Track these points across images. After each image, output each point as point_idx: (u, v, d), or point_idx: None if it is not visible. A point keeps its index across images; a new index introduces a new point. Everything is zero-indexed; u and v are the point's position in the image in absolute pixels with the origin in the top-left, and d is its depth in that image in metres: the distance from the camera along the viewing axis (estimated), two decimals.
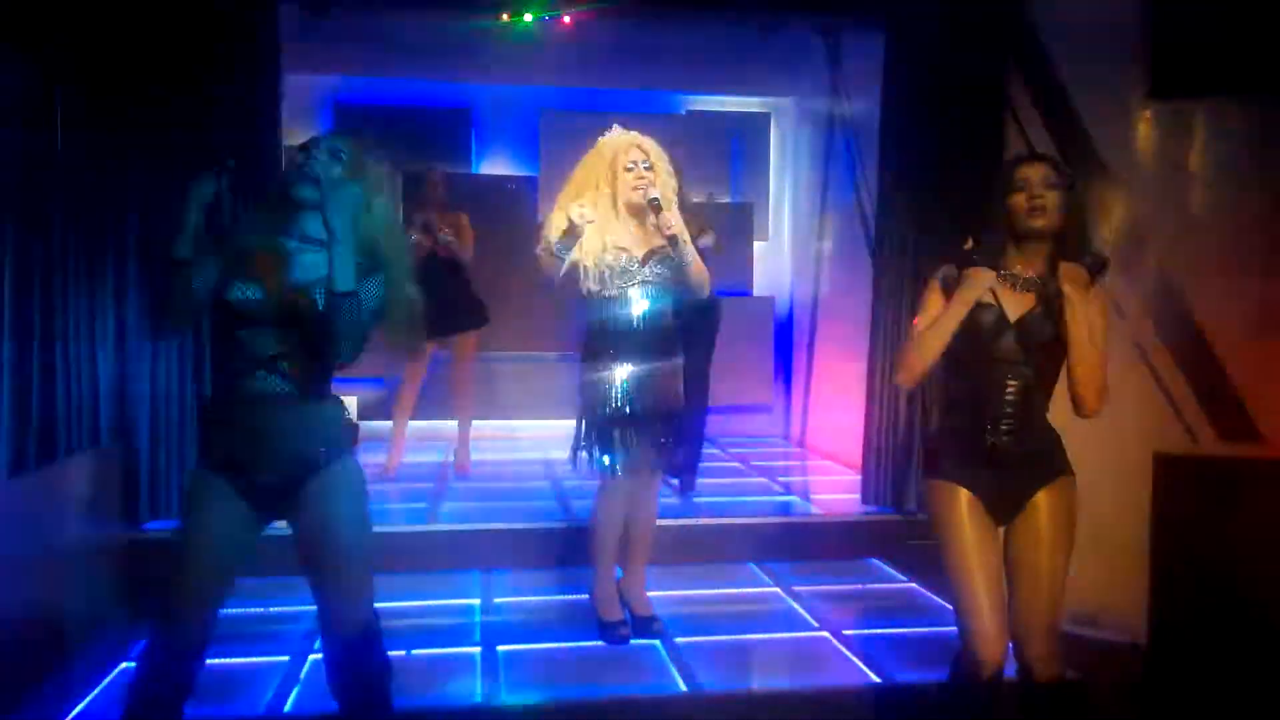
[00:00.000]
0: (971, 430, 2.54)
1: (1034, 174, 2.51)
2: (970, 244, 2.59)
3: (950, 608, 2.61)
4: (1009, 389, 2.51)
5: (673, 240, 3.51)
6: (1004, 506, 2.56)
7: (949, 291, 2.55)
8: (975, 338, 2.52)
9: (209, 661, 2.42)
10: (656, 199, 3.49)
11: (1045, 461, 2.58)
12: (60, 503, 3.75)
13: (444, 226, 5.56)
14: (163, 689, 2.34)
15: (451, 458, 6.03)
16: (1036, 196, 2.48)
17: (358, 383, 7.13)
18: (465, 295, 5.71)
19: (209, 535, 2.34)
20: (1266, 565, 3.66)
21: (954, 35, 4.68)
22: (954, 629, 2.58)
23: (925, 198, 4.78)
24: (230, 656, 3.43)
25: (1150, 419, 4.01)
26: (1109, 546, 3.97)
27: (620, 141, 3.61)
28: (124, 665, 3.51)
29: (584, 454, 3.66)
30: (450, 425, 6.04)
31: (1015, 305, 2.53)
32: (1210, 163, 3.97)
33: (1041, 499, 2.54)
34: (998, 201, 2.54)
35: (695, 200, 5.30)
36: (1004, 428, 2.51)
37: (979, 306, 2.51)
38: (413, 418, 5.85)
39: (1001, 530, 2.59)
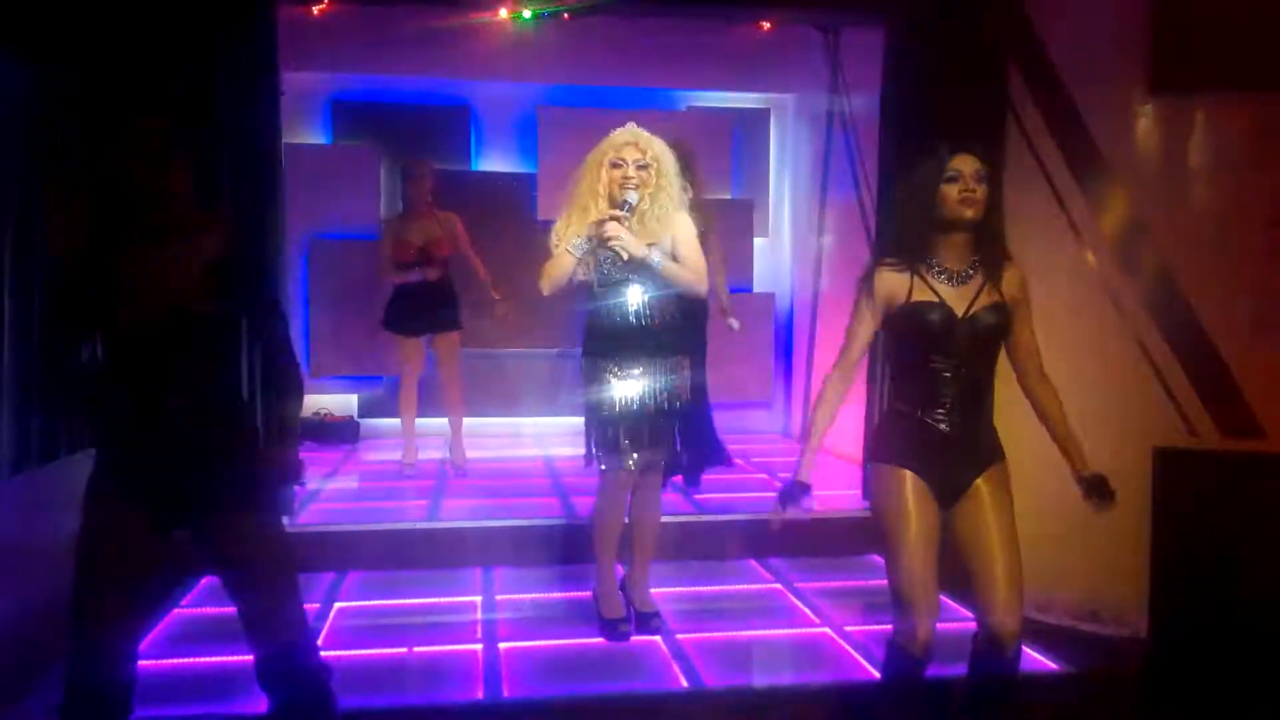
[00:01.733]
0: (919, 418, 2.58)
1: (966, 166, 2.53)
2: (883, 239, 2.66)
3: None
4: (955, 380, 2.56)
5: (610, 246, 3.41)
6: (946, 491, 2.61)
7: (876, 295, 2.61)
8: (924, 335, 2.56)
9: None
10: (627, 203, 3.43)
11: (985, 448, 2.64)
12: (62, 501, 3.74)
13: (436, 254, 5.59)
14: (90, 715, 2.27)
15: (446, 455, 6.03)
16: (969, 189, 2.51)
17: (357, 380, 7.16)
18: (443, 296, 5.71)
19: (112, 552, 2.26)
20: (1267, 560, 3.67)
21: (953, 30, 4.67)
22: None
23: None
24: (228, 655, 3.43)
25: (1150, 414, 4.01)
26: (1110, 541, 3.98)
27: (617, 139, 3.55)
28: None
29: (594, 452, 3.65)
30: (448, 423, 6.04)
31: (957, 300, 2.56)
32: (1210, 157, 3.96)
33: (982, 484, 2.61)
34: (924, 189, 2.56)
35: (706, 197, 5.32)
36: (950, 415, 2.57)
37: (925, 305, 2.56)
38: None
39: (941, 516, 2.63)
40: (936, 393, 2.57)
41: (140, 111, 2.38)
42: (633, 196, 3.44)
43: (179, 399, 2.26)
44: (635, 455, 3.61)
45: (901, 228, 2.65)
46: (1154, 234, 4.04)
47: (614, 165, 3.50)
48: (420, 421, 5.96)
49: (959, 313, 2.55)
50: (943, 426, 2.57)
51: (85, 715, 2.28)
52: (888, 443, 2.67)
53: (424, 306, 5.62)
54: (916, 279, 2.58)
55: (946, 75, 4.68)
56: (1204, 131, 3.97)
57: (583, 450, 3.71)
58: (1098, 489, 2.63)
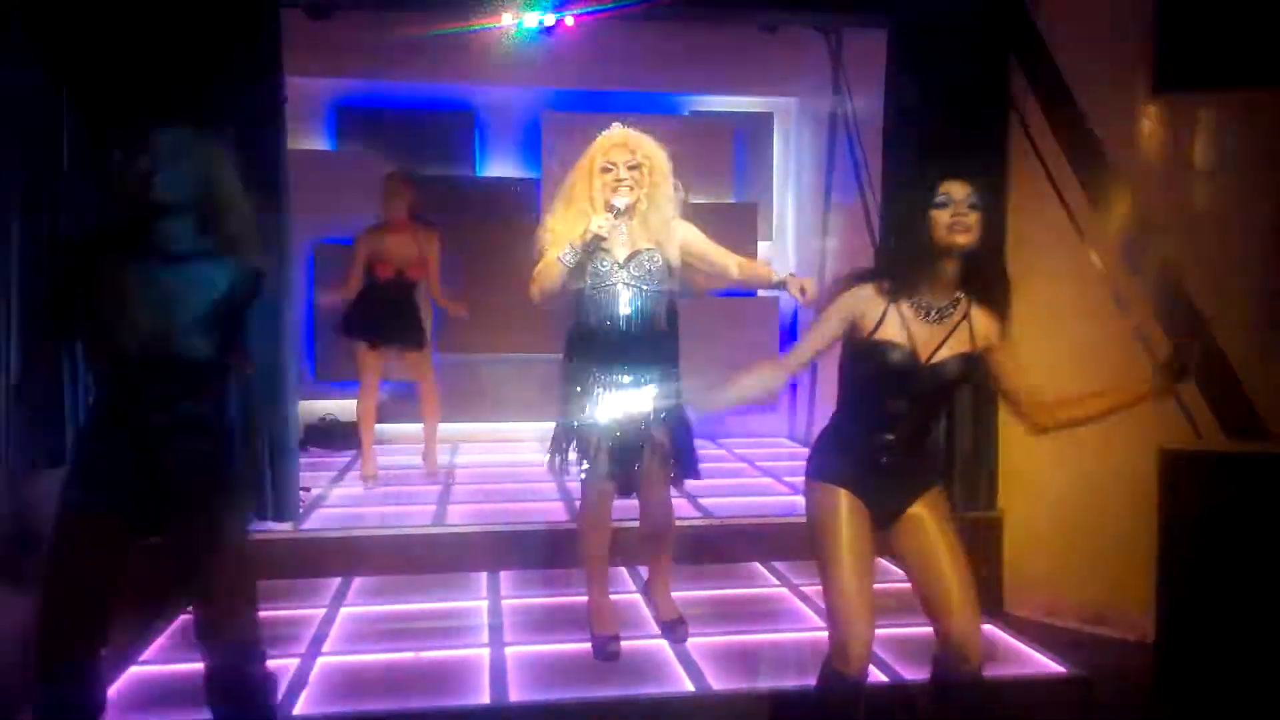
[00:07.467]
0: (862, 444, 2.58)
1: (958, 191, 2.46)
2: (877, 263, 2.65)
3: None
4: (907, 418, 2.56)
5: (597, 237, 3.31)
6: (882, 513, 2.61)
7: (842, 309, 2.56)
8: (882, 375, 2.53)
9: None
10: (615, 208, 3.32)
11: (923, 474, 2.65)
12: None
13: (409, 277, 5.50)
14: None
15: (453, 460, 6.02)
16: (961, 215, 2.45)
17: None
18: (408, 314, 5.57)
19: (82, 565, 2.28)
20: (1273, 561, 3.65)
21: (956, 33, 4.67)
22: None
23: None
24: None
25: (1156, 415, 3.98)
26: (1116, 544, 3.98)
27: (606, 141, 3.46)
28: (133, 668, 3.52)
29: (555, 458, 3.59)
30: (455, 428, 6.03)
31: (926, 341, 2.51)
32: (1215, 157, 3.96)
33: (920, 508, 2.61)
34: (912, 213, 2.50)
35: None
36: (894, 449, 2.57)
37: (888, 345, 2.51)
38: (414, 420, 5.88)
39: (878, 538, 2.63)
40: (885, 426, 2.56)
41: (161, 119, 2.39)
42: (620, 201, 3.34)
43: (158, 408, 2.28)
44: (615, 466, 3.51)
45: (893, 253, 2.63)
46: (1158, 234, 4.04)
47: (604, 170, 3.42)
48: (414, 428, 5.92)
49: (923, 357, 2.50)
50: (884, 459, 2.57)
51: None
52: (827, 460, 2.65)
53: (388, 320, 5.49)
54: (892, 309, 2.51)
55: (950, 76, 4.68)
56: (1208, 131, 3.97)
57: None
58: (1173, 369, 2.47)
